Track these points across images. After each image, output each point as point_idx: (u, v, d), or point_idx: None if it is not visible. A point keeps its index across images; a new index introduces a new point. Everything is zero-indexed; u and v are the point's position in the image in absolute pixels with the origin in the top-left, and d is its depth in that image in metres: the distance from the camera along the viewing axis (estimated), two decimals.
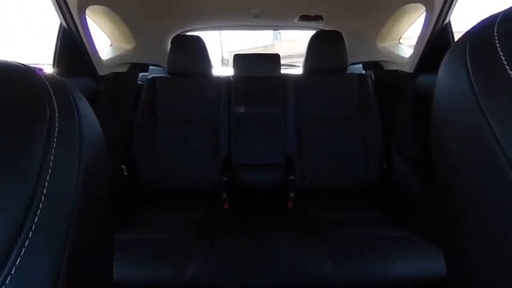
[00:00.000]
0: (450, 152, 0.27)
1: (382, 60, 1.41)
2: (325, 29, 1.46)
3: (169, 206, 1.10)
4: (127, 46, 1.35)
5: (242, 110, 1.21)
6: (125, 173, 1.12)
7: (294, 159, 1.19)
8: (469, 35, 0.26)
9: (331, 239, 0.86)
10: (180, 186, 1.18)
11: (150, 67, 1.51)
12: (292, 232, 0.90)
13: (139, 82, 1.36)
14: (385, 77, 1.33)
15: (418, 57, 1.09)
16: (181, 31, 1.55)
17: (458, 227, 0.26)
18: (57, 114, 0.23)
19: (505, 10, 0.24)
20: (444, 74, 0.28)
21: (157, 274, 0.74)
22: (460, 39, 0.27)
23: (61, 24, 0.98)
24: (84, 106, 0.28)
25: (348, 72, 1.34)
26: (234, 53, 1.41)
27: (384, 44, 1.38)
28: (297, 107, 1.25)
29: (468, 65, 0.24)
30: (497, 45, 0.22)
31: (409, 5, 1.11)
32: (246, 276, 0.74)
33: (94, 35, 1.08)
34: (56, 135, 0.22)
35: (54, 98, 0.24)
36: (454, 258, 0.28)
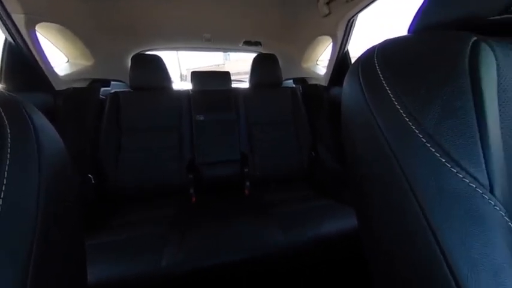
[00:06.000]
0: (354, 141, 0.29)
1: (306, 77, 1.51)
2: (264, 52, 1.51)
3: (141, 206, 1.00)
4: (85, 63, 1.17)
5: (202, 117, 1.18)
6: (93, 182, 0.98)
7: (247, 155, 1.21)
8: (360, 60, 0.29)
9: (279, 214, 0.90)
10: (150, 188, 1.08)
11: (112, 82, 1.34)
12: (250, 213, 0.91)
13: (101, 96, 1.19)
14: (309, 90, 1.43)
15: (330, 74, 1.23)
16: (140, 50, 1.41)
17: (362, 193, 0.29)
18: (8, 130, 0.20)
19: (381, 42, 0.28)
20: (346, 87, 0.31)
21: (133, 270, 0.66)
22: (354, 62, 0.30)
23: (6, 39, 0.80)
24: (41, 120, 0.24)
25: (283, 86, 1.41)
26: (191, 70, 1.36)
27: (307, 65, 1.49)
28: (247, 114, 1.27)
29: (361, 81, 0.27)
30: (377, 67, 0.26)
31: (321, 37, 1.23)
32: (216, 256, 0.72)
33: (50, 51, 0.91)
34: (8, 150, 0.19)
35: (3, 113, 0.20)
36: (361, 216, 0.31)
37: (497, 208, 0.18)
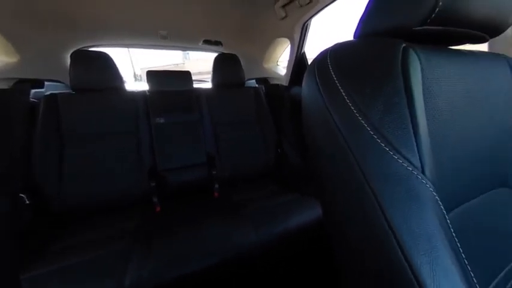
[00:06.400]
0: (314, 137, 0.32)
1: (268, 77, 1.55)
2: (225, 52, 1.50)
3: (95, 223, 0.88)
4: (6, 59, 0.97)
5: (162, 120, 1.10)
6: (27, 202, 0.81)
7: (214, 156, 1.18)
8: (315, 61, 0.32)
9: (250, 213, 0.91)
10: (105, 201, 0.96)
11: (47, 83, 1.14)
12: (220, 215, 0.89)
13: (32, 99, 1.00)
14: (271, 90, 1.47)
15: (290, 75, 1.29)
16: (82, 46, 1.23)
17: (324, 184, 0.32)
18: None
19: (332, 46, 0.31)
20: (305, 87, 0.33)
21: None
22: (311, 64, 0.33)
23: None
24: None
25: (246, 86, 1.42)
26: (147, 70, 1.25)
27: (268, 65, 1.53)
28: (211, 114, 1.24)
29: (317, 80, 0.29)
30: (330, 69, 0.28)
31: (280, 39, 1.28)
32: (187, 265, 0.69)
33: None
34: None
35: None
36: (325, 204, 0.34)
37: (428, 185, 0.22)
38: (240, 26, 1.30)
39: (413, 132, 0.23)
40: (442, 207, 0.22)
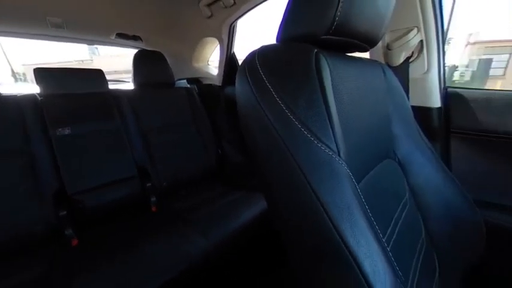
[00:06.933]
0: (253, 134, 0.33)
1: (200, 77, 1.49)
2: (147, 48, 1.34)
3: None
4: None
5: (67, 131, 0.87)
6: None
7: (147, 166, 1.04)
8: (246, 62, 0.33)
9: (197, 219, 0.86)
10: None
11: None
12: (163, 230, 0.81)
13: None
14: (204, 90, 1.43)
15: (222, 75, 1.30)
16: None
17: (266, 177, 0.33)
18: None
19: (259, 48, 0.33)
20: (239, 87, 0.34)
21: None
22: (242, 64, 0.34)
23: None
24: None
25: (176, 86, 1.32)
26: (35, 67, 0.95)
27: (199, 65, 1.47)
28: (137, 119, 1.08)
29: (249, 80, 0.31)
30: (259, 69, 0.30)
31: (208, 38, 1.26)
32: None
33: None
34: None
35: None
36: (267, 196, 0.36)
37: (343, 165, 0.27)
38: (164, 23, 1.20)
39: (330, 124, 0.28)
40: (354, 181, 0.28)
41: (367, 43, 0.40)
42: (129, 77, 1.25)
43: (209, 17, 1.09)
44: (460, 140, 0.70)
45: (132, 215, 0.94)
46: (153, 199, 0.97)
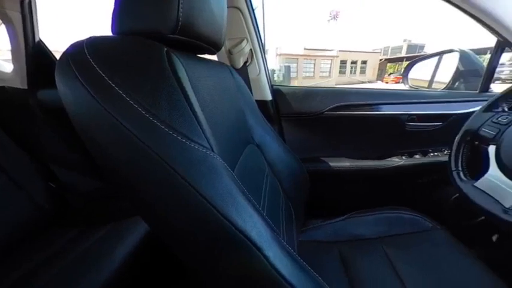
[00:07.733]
0: (104, 146, 0.27)
1: None
2: None
3: None
4: None
5: None
6: None
7: None
8: (68, 55, 0.26)
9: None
10: None
11: None
12: None
13: None
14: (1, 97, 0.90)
15: (25, 73, 0.86)
16: None
17: (135, 192, 0.29)
18: None
19: (88, 39, 0.27)
20: (64, 88, 0.26)
21: None
22: (61, 59, 0.26)
23: None
24: None
25: None
26: None
27: None
28: None
29: (79, 77, 0.24)
30: (95, 66, 0.25)
31: None
32: None
33: None
34: None
35: None
36: (148, 215, 0.32)
37: (218, 159, 0.29)
38: None
39: (197, 122, 0.28)
40: (229, 169, 0.31)
41: (213, 46, 0.44)
42: None
43: None
44: (287, 121, 1.01)
45: None
46: None
